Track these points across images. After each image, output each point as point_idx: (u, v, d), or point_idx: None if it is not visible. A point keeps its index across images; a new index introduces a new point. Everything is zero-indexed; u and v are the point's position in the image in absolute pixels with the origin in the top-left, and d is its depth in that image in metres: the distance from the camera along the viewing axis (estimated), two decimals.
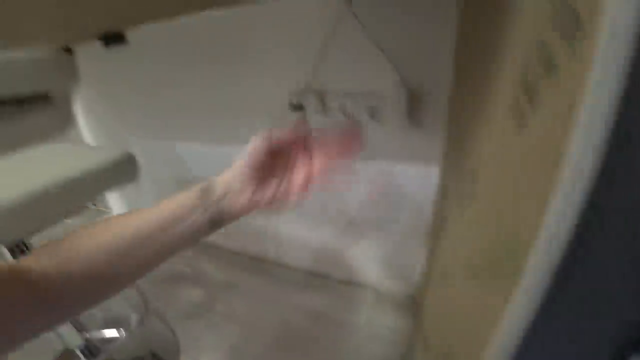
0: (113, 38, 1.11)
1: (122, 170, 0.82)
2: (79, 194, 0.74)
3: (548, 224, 0.17)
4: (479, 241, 0.33)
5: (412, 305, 0.96)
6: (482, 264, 0.30)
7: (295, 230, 1.09)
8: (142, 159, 1.31)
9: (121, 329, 0.97)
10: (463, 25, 0.64)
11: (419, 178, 0.83)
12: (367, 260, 1.01)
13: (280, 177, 0.41)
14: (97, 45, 1.12)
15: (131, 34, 1.06)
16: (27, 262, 0.32)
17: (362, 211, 0.95)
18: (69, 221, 1.10)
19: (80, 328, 0.85)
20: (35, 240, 0.73)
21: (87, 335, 0.86)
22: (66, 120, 0.74)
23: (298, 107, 0.87)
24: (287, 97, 0.87)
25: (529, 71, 0.21)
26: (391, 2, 0.69)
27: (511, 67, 0.25)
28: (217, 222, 0.39)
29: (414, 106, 0.75)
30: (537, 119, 0.21)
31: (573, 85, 0.15)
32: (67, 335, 0.84)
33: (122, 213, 0.38)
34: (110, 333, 0.96)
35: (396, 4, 0.69)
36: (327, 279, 1.07)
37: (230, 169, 0.39)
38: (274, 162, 0.40)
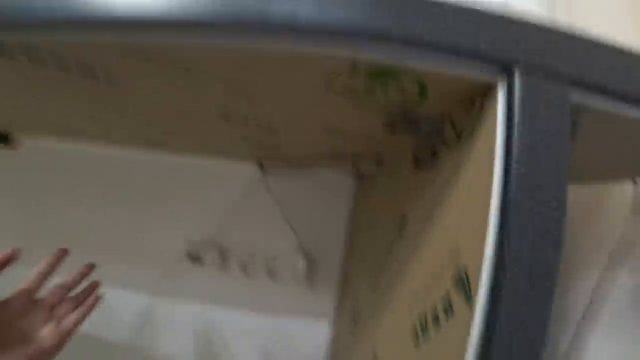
0: None
1: None
2: None
3: None
4: None
5: None
6: None
7: None
8: None
9: None
10: (357, 204, 0.83)
11: (311, 334, 0.88)
12: None
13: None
14: None
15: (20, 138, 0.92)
16: None
17: None
18: None
19: None
20: None
21: None
22: None
23: (196, 259, 0.87)
24: (184, 247, 0.87)
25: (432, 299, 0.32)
26: (298, 177, 0.85)
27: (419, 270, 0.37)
28: None
29: (310, 268, 0.86)
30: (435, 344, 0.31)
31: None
32: None
33: None
34: None
35: (302, 180, 0.86)
36: None
37: None
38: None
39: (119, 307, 0.86)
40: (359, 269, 0.68)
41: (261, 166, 0.84)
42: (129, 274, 0.86)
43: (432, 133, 0.34)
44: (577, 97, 0.22)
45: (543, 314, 0.21)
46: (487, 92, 0.24)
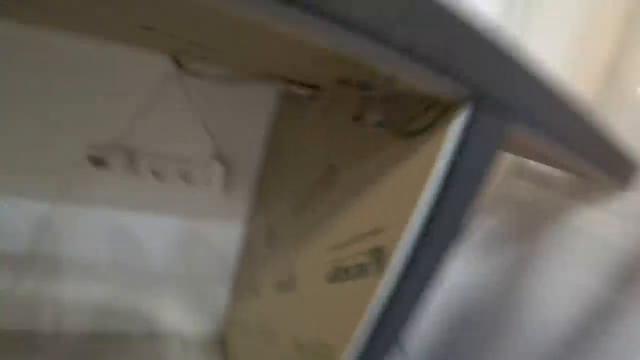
0: None
1: None
2: None
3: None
4: (301, 329, 0.49)
5: (221, 345, 1.04)
6: (307, 344, 0.46)
7: (81, 291, 0.94)
8: None
9: None
10: (282, 120, 0.81)
11: (224, 236, 0.95)
12: (170, 309, 1.02)
13: None
14: None
15: None
16: None
17: (163, 264, 0.96)
18: None
19: None
20: None
21: None
22: None
23: (100, 163, 0.77)
24: (86, 150, 0.76)
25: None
26: (219, 79, 0.77)
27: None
28: None
29: (226, 173, 0.86)
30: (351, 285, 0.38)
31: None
32: None
33: None
34: None
35: (223, 83, 0.78)
36: (125, 337, 0.99)
37: None
38: None
39: (15, 218, 0.78)
40: (279, 189, 0.71)
41: (178, 62, 0.73)
42: (25, 182, 0.76)
43: (382, 101, 0.34)
44: (516, 131, 0.25)
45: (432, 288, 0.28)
46: (449, 107, 0.25)
